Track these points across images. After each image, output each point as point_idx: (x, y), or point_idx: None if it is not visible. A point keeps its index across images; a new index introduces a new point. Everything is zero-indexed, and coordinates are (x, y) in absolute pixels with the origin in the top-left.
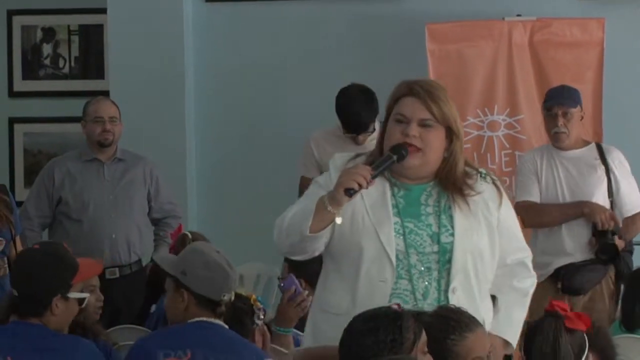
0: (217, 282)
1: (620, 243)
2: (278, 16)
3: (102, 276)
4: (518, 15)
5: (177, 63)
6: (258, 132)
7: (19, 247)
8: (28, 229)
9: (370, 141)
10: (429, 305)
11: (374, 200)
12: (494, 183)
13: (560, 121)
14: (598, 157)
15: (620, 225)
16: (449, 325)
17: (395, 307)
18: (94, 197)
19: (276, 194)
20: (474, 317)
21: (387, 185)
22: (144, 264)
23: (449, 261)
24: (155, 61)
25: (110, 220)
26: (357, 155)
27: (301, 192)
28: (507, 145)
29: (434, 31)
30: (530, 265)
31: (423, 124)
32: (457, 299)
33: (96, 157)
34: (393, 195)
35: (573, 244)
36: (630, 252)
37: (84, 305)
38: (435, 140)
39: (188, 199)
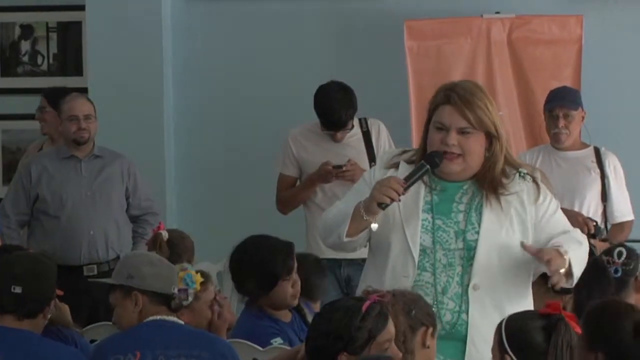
0: (165, 275)
1: (602, 245)
2: (256, 13)
3: (79, 273)
4: (497, 13)
5: (155, 60)
6: (237, 130)
7: None
8: (5, 227)
9: (349, 138)
10: (449, 299)
11: (407, 197)
12: (534, 181)
13: (562, 122)
14: (595, 160)
15: (602, 227)
16: None
17: (377, 298)
18: (72, 194)
19: (256, 190)
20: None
21: (423, 183)
22: None
23: (473, 258)
24: (134, 58)
25: (88, 216)
26: (404, 152)
27: (280, 189)
28: None
29: (412, 28)
30: (579, 237)
31: (461, 132)
32: (478, 296)
33: (73, 154)
34: (430, 191)
35: None
36: None
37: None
38: (475, 146)
39: (167, 196)
